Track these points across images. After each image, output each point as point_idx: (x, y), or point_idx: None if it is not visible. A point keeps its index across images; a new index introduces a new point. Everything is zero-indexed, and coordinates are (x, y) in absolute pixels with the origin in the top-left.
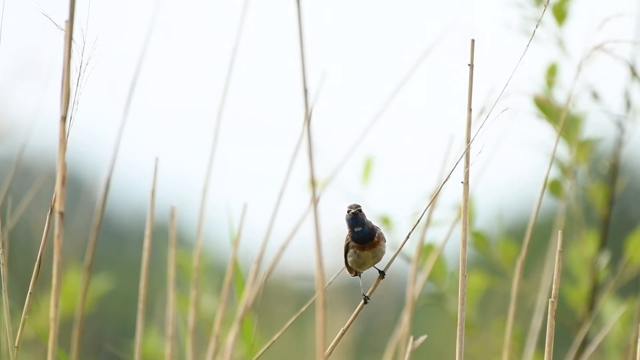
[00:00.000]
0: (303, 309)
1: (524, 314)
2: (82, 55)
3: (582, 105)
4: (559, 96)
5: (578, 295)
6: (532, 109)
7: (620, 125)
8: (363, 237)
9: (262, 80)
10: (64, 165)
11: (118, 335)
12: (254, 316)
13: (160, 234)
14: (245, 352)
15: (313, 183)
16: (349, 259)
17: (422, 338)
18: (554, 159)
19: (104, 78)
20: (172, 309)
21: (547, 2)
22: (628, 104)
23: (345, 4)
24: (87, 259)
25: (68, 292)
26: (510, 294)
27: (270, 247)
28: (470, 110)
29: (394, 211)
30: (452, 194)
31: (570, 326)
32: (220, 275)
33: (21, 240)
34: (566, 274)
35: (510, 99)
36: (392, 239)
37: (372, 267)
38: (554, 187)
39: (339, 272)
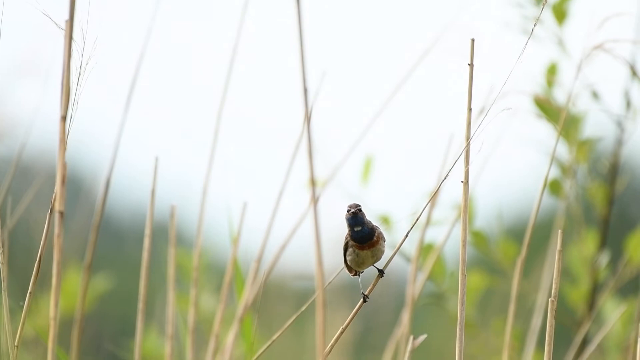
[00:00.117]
0: (303, 308)
1: (524, 314)
2: (82, 54)
3: (582, 104)
4: (559, 96)
5: (578, 295)
6: (532, 108)
7: (620, 125)
8: (363, 236)
9: (262, 80)
10: (64, 165)
11: (118, 335)
12: (254, 315)
13: (160, 233)
14: (245, 351)
15: (313, 182)
16: (347, 258)
17: (421, 337)
18: (553, 159)
19: (104, 78)
20: (172, 308)
21: (545, 1)
22: (628, 104)
23: (345, 4)
24: (87, 258)
25: (68, 291)
26: (510, 294)
27: (270, 247)
28: (470, 109)
29: (393, 211)
30: (452, 193)
31: (570, 326)
32: (220, 274)
33: (21, 239)
34: (566, 274)
35: (510, 98)
36: (391, 239)
37: (372, 266)
38: (554, 187)
39: (339, 272)
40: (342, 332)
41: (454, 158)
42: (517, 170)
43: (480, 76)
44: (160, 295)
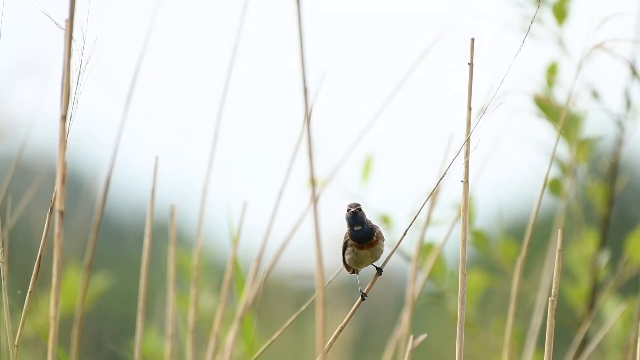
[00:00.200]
0: (303, 307)
1: (524, 313)
2: (82, 54)
3: (582, 104)
4: (559, 95)
5: (578, 294)
6: (532, 108)
7: (620, 124)
8: (362, 236)
9: (262, 80)
10: (64, 164)
11: (118, 334)
12: (254, 315)
13: (160, 232)
14: (244, 351)
15: (313, 182)
16: (346, 257)
17: (421, 337)
18: (554, 158)
19: (103, 77)
20: (172, 308)
21: (542, 0)
22: (628, 103)
23: (345, 4)
24: (87, 257)
25: (68, 290)
26: (510, 293)
27: (269, 246)
28: (470, 109)
29: (393, 210)
30: (452, 193)
31: (570, 325)
32: (220, 274)
33: (21, 239)
34: (566, 273)
35: (509, 97)
36: (391, 238)
37: (371, 265)
38: (554, 186)
39: (339, 271)
40: (340, 330)
41: (454, 157)
42: (517, 170)
43: (480, 76)
44: (160, 295)
